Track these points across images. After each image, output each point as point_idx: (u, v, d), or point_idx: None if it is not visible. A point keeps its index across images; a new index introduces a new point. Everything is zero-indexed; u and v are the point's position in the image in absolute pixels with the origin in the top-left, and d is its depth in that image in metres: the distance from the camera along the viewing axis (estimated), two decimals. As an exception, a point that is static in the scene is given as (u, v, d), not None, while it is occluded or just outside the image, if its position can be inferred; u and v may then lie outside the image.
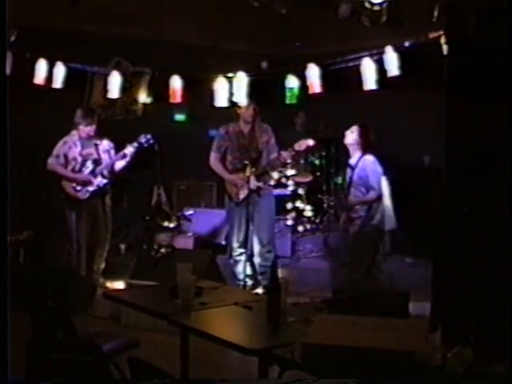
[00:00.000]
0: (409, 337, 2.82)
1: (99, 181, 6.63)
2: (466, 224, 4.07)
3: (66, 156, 6.58)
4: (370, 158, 5.86)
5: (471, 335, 2.77)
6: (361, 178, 5.82)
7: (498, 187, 3.83)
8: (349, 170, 5.98)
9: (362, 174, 5.82)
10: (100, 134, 6.71)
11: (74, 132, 6.65)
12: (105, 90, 6.82)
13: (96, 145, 6.63)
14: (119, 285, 6.53)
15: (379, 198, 5.81)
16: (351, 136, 5.91)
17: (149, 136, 6.64)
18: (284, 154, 6.26)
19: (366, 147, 5.88)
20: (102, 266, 6.75)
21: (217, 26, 8.50)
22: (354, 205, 5.88)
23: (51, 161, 6.57)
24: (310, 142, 6.18)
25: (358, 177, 5.84)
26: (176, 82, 6.39)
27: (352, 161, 5.93)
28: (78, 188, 6.57)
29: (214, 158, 6.52)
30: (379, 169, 5.87)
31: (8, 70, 3.01)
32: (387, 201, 5.90)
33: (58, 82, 6.50)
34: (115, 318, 5.68)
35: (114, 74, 6.57)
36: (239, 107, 6.37)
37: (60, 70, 6.49)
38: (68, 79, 6.55)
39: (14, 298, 2.72)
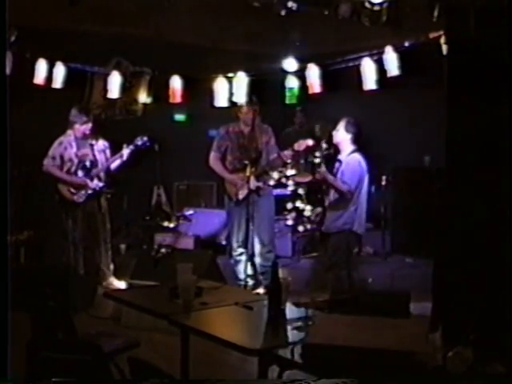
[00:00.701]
0: (409, 337, 2.82)
1: (95, 184, 6.59)
2: (466, 224, 4.07)
3: (61, 157, 6.53)
4: (357, 157, 5.85)
5: (471, 335, 2.77)
6: (343, 173, 5.82)
7: (498, 187, 3.83)
8: (337, 164, 5.97)
9: (344, 170, 5.83)
10: (95, 133, 6.67)
11: (69, 131, 6.58)
12: (105, 90, 6.83)
13: (91, 145, 6.60)
14: (120, 285, 6.54)
15: (348, 193, 5.76)
16: (337, 134, 5.90)
17: (145, 138, 6.61)
18: (286, 152, 6.26)
19: (354, 142, 5.88)
20: (112, 266, 6.75)
21: (217, 26, 8.48)
22: (326, 180, 5.85)
23: (47, 162, 6.50)
24: (310, 142, 6.18)
25: (341, 172, 5.84)
26: (176, 82, 6.41)
27: (341, 156, 5.92)
28: (74, 191, 6.55)
29: (213, 158, 6.52)
30: (361, 169, 5.85)
31: (8, 70, 3.00)
32: (363, 205, 5.89)
33: (58, 82, 6.51)
34: (115, 318, 5.69)
35: (114, 73, 6.58)
36: (239, 107, 6.37)
37: (60, 70, 6.50)
38: (68, 79, 6.55)
39: (14, 298, 2.72)
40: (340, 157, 5.93)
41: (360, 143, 5.98)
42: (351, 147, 5.88)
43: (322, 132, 8.47)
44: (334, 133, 5.94)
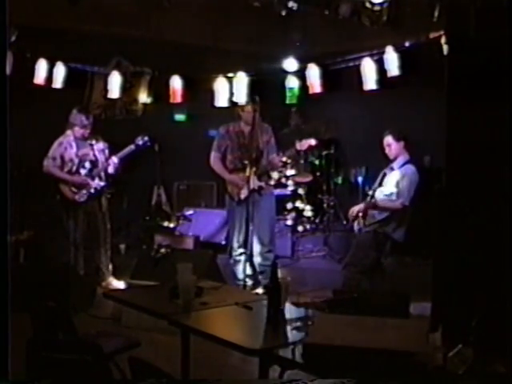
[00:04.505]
0: (409, 337, 2.82)
1: (97, 183, 6.60)
2: (466, 224, 4.07)
3: (62, 157, 6.52)
4: (412, 168, 5.90)
5: (471, 335, 2.77)
6: (397, 182, 5.85)
7: (498, 187, 3.83)
8: (388, 170, 5.99)
9: (399, 179, 5.85)
10: (94, 133, 6.67)
11: (68, 132, 6.57)
12: (105, 90, 6.82)
13: (91, 145, 6.60)
14: (119, 285, 6.54)
15: (404, 207, 5.81)
16: (391, 148, 5.94)
17: (146, 138, 6.63)
18: (276, 158, 6.34)
19: (407, 149, 5.94)
20: (111, 266, 6.74)
21: (217, 26, 8.50)
22: (379, 207, 5.88)
23: (47, 163, 6.49)
24: (312, 142, 6.19)
25: (394, 180, 5.87)
26: (176, 82, 6.40)
27: (394, 165, 5.96)
28: (76, 191, 6.55)
29: (214, 158, 6.51)
30: (416, 181, 5.88)
31: (8, 70, 3.00)
32: (410, 214, 5.93)
33: (58, 82, 6.50)
34: (115, 318, 5.68)
35: (114, 73, 6.57)
36: (241, 106, 6.37)
37: (60, 70, 6.49)
38: (68, 79, 6.54)
39: (14, 298, 2.72)
40: (393, 165, 5.97)
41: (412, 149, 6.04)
42: (405, 155, 5.94)
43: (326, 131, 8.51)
44: (387, 150, 5.97)
